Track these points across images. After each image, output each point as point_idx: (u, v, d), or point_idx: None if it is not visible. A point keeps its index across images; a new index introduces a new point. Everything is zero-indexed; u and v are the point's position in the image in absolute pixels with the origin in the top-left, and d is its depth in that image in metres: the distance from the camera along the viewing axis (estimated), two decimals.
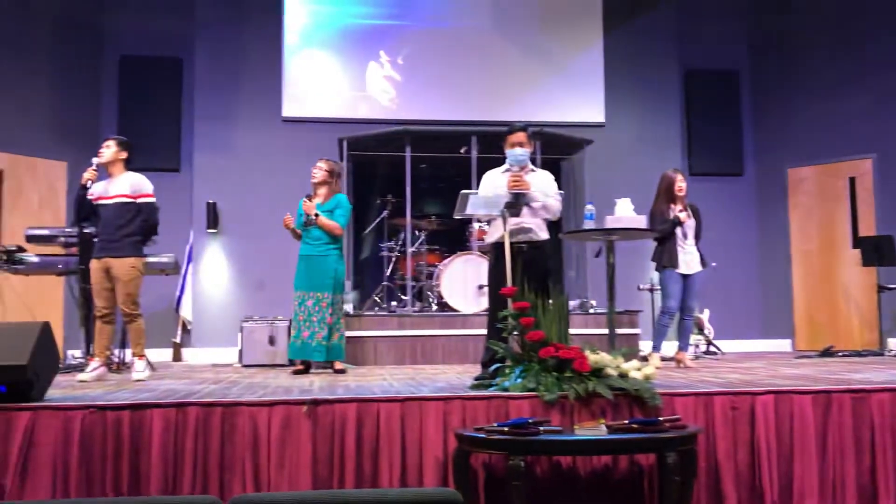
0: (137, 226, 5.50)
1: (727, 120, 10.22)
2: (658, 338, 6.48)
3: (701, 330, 8.44)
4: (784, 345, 9.89)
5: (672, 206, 6.44)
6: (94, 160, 5.56)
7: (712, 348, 8.49)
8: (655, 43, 9.96)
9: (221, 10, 9.43)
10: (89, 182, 5.55)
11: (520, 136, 4.94)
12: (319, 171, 6.20)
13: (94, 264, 5.49)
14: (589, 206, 5.44)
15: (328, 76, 9.54)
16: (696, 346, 8.33)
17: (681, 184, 6.46)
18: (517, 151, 4.93)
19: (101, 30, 9.50)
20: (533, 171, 5.04)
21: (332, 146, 8.61)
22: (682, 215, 6.39)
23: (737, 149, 10.24)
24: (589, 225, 5.41)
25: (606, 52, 9.84)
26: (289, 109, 9.43)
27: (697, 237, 6.55)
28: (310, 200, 6.13)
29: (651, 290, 8.40)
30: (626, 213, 5.59)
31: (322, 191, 6.20)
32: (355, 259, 9.63)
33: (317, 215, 6.06)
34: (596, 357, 4.01)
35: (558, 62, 9.78)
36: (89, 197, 5.56)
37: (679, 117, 10.04)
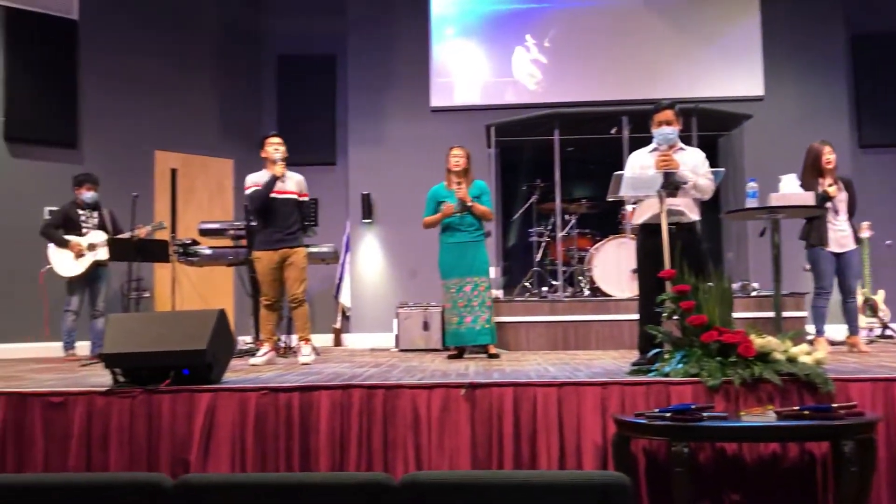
0: (301, 220, 5.95)
1: None
2: (818, 321, 6.08)
3: (875, 312, 7.89)
4: None
5: (820, 180, 6.01)
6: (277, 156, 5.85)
7: (888, 332, 7.91)
8: (818, 6, 9.33)
9: (371, 7, 9.69)
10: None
11: (667, 114, 4.78)
12: (461, 159, 6.22)
13: (268, 255, 5.81)
14: (751, 184, 5.20)
15: (474, 64, 9.61)
16: (871, 329, 7.80)
17: (829, 156, 5.98)
18: (665, 130, 4.78)
19: (260, 32, 10.01)
20: (682, 149, 4.86)
21: (479, 133, 8.68)
22: (832, 189, 5.91)
23: None
24: (752, 203, 5.17)
25: (764, 19, 9.32)
26: (436, 99, 9.58)
27: (851, 213, 6.08)
28: (460, 187, 6.13)
29: None
30: (791, 190, 5.31)
31: (462, 178, 6.23)
32: (503, 245, 9.67)
33: (472, 202, 6.12)
34: (762, 341, 3.85)
35: (711, 33, 9.37)
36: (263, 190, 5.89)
37: (846, 86, 9.36)
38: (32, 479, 2.45)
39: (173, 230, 7.70)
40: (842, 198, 6.05)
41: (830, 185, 5.96)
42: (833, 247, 5.99)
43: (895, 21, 9.53)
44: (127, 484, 2.13)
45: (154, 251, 7.06)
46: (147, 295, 8.01)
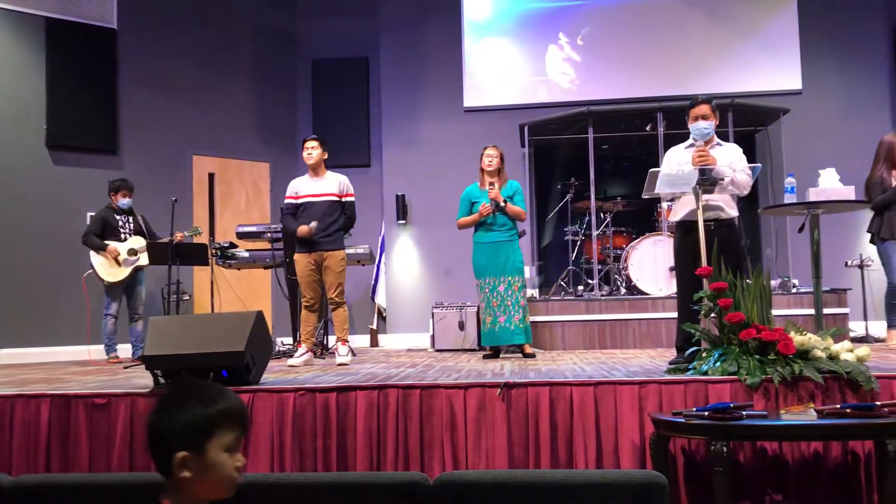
0: (342, 222, 5.90)
1: None
2: (892, 315, 5.97)
3: None
4: None
5: (893, 172, 5.89)
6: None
7: None
8: None
9: (403, 9, 9.73)
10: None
11: (703, 109, 4.73)
12: (495, 159, 6.21)
13: (305, 258, 5.84)
14: (789, 179, 5.13)
15: (507, 64, 9.60)
16: None
17: None
18: (701, 125, 4.73)
19: (294, 36, 10.10)
20: (719, 144, 4.81)
21: (512, 133, 8.67)
22: None
23: None
24: (790, 198, 5.10)
25: (801, 11, 9.17)
26: (470, 100, 9.58)
27: None
28: (493, 187, 6.13)
29: (861, 266, 7.77)
30: (831, 185, 5.22)
31: (495, 178, 6.22)
32: (538, 244, 9.65)
33: (505, 202, 6.11)
34: (802, 338, 3.79)
35: (747, 27, 9.25)
36: (292, 195, 5.95)
37: (887, 79, 9.17)
38: (78, 479, 2.50)
39: (211, 234, 7.80)
40: None
41: None
42: None
43: None
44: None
45: (193, 255, 7.17)
46: (186, 298, 8.12)
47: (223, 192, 9.21)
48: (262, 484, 2.01)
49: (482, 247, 6.21)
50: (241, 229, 7.57)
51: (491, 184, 6.14)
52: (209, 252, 7.27)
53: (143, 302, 7.47)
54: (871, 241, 6.08)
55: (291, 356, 5.98)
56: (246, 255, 7.41)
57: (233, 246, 7.38)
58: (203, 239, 7.46)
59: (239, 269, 7.61)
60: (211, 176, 7.90)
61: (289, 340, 7.48)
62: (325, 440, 3.84)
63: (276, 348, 7.18)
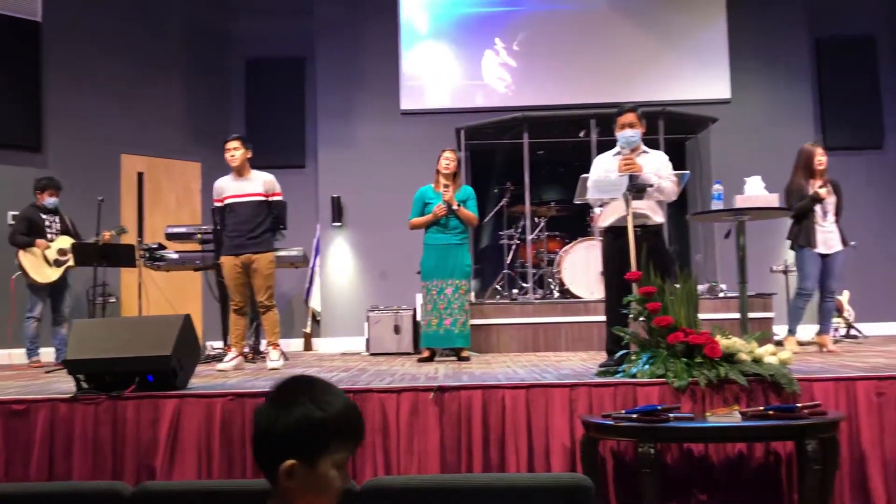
0: (270, 222, 5.77)
1: (864, 90, 9.58)
2: (793, 321, 6.17)
3: (840, 313, 8.01)
4: None
5: (811, 181, 6.08)
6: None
7: (853, 332, 8.04)
8: (783, 12, 9.46)
9: (340, 9, 9.66)
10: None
11: (629, 117, 4.83)
12: (452, 162, 6.23)
13: (232, 260, 5.71)
14: (717, 186, 5.25)
15: (444, 67, 9.62)
16: (836, 329, 7.91)
17: (821, 157, 6.06)
18: (627, 133, 4.82)
19: (228, 34, 9.92)
20: (646, 152, 4.91)
21: (449, 136, 8.68)
22: (823, 191, 5.99)
23: (875, 121, 9.60)
24: (717, 205, 5.23)
25: (730, 24, 9.43)
26: (406, 102, 9.56)
27: (838, 214, 6.16)
28: (448, 189, 6.15)
29: (785, 272, 8.03)
30: (756, 192, 5.38)
31: (450, 181, 6.25)
32: (474, 248, 9.69)
33: (458, 205, 6.13)
34: (728, 342, 3.88)
35: (679, 38, 9.47)
36: (217, 197, 5.84)
37: (811, 90, 9.51)
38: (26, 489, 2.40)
39: (140, 234, 7.61)
40: (831, 200, 6.11)
41: (821, 187, 6.02)
42: (821, 248, 6.06)
43: (858, 25, 9.70)
44: (86, 492, 2.10)
45: (120, 256, 6.98)
46: (113, 300, 7.89)
47: (152, 192, 8.99)
48: (182, 492, 1.96)
49: (432, 249, 6.22)
50: (170, 230, 7.40)
51: (446, 185, 6.16)
52: (136, 253, 7.09)
53: (70, 304, 7.24)
54: (791, 248, 6.27)
55: (221, 360, 5.86)
56: (175, 256, 7.24)
57: (161, 247, 7.21)
58: (131, 240, 7.26)
59: (168, 270, 7.44)
60: (140, 175, 7.72)
61: (219, 344, 7.34)
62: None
63: (206, 353, 7.04)
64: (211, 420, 3.80)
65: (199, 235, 7.28)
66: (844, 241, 6.17)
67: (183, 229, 7.39)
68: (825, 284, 6.14)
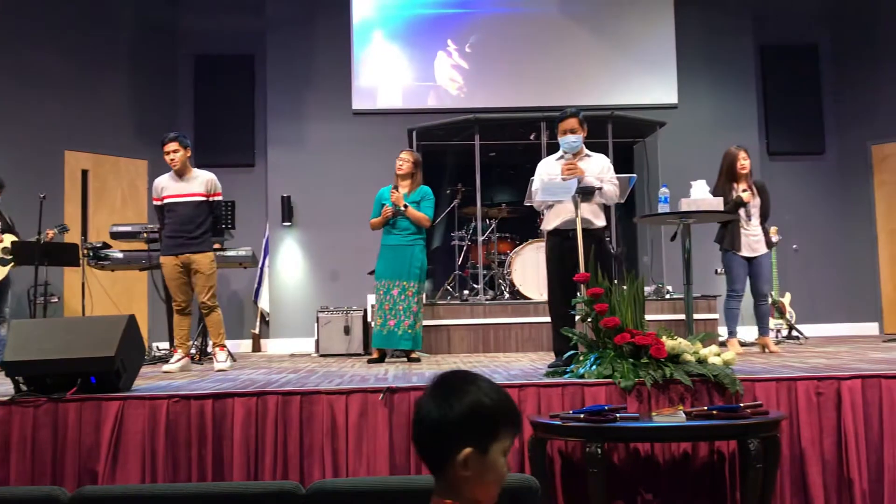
0: (211, 222, 5.70)
1: (806, 97, 9.85)
2: (730, 322, 6.27)
3: (782, 314, 8.20)
4: (871, 328, 9.54)
5: (735, 185, 6.17)
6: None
7: (794, 333, 8.24)
8: (729, 19, 9.68)
9: (291, 7, 9.58)
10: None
11: (571, 123, 4.88)
12: (405, 163, 6.23)
13: (172, 260, 5.62)
14: (663, 189, 5.33)
15: (396, 68, 9.60)
16: (778, 330, 8.10)
17: (744, 161, 6.11)
18: (569, 138, 4.88)
19: (177, 31, 9.76)
20: (588, 156, 4.97)
21: (401, 137, 8.68)
22: (746, 195, 6.05)
23: (817, 126, 9.87)
24: (663, 208, 5.31)
25: (678, 30, 9.61)
26: (358, 102, 9.52)
27: (764, 217, 6.22)
28: (396, 191, 6.15)
29: None
30: (702, 196, 5.47)
31: (406, 182, 6.24)
32: (426, 249, 9.68)
33: (406, 207, 6.11)
34: (673, 343, 3.94)
35: (628, 43, 9.60)
36: (156, 196, 5.74)
37: (755, 96, 9.73)
38: None
39: (84, 233, 7.44)
40: (755, 203, 6.16)
41: (744, 191, 6.08)
42: (745, 251, 6.11)
43: (801, 34, 9.96)
44: (23, 498, 2.05)
45: (62, 255, 6.82)
46: (55, 300, 7.71)
47: (97, 190, 8.80)
48: (122, 496, 1.92)
49: (384, 249, 6.24)
50: (115, 229, 7.24)
51: (396, 187, 6.15)
52: (80, 252, 6.93)
53: (9, 304, 7.04)
54: (720, 251, 6.36)
55: (167, 362, 5.76)
56: (120, 255, 7.10)
57: (106, 246, 7.06)
58: (74, 238, 7.10)
59: (113, 270, 7.29)
60: (84, 173, 7.55)
61: (165, 346, 7.21)
62: (199, 449, 3.72)
63: (152, 354, 6.92)
64: (156, 422, 3.72)
65: (145, 234, 7.14)
66: (769, 244, 6.26)
67: (128, 228, 7.25)
68: (756, 288, 6.20)
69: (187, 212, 5.59)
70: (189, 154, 5.68)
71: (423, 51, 9.62)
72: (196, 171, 5.71)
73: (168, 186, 5.68)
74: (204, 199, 5.65)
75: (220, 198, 5.77)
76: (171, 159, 5.59)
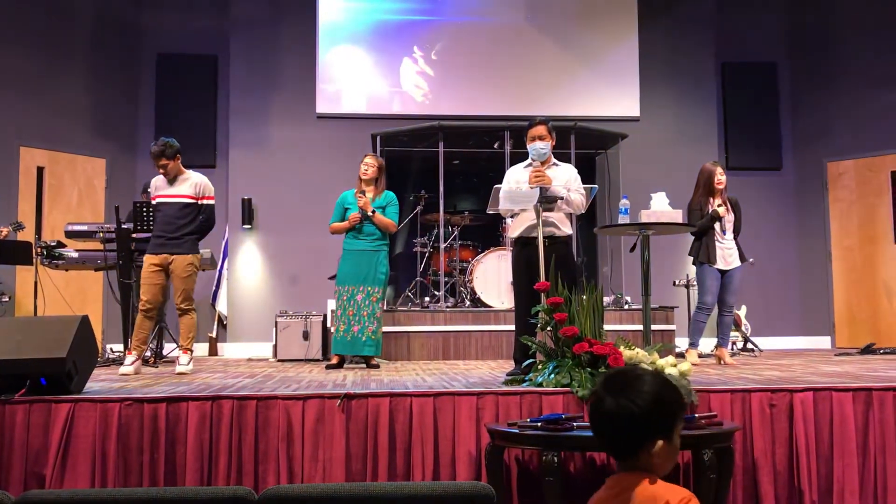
0: (197, 225, 5.70)
1: (765, 113, 10.05)
2: (695, 334, 6.38)
3: (738, 327, 8.32)
4: (823, 342, 9.73)
5: (711, 199, 6.31)
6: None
7: (749, 345, 8.37)
8: (691, 35, 9.84)
9: (256, 8, 9.50)
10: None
11: (540, 130, 4.92)
12: (371, 168, 6.20)
13: (150, 259, 5.62)
14: (624, 201, 5.38)
15: (362, 73, 9.57)
16: (733, 343, 8.22)
17: (720, 177, 6.30)
18: (538, 145, 4.91)
19: (139, 28, 9.62)
20: (556, 164, 5.02)
21: (365, 142, 8.64)
22: (721, 210, 6.23)
23: (775, 143, 10.07)
24: (623, 219, 5.35)
25: (642, 45, 9.73)
26: (323, 106, 9.47)
27: (737, 232, 6.40)
28: (363, 196, 6.12)
29: (687, 286, 8.30)
30: (661, 208, 5.53)
31: (371, 187, 6.22)
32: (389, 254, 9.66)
33: (373, 212, 6.08)
34: (631, 353, 3.97)
35: (592, 56, 9.70)
36: (153, 194, 5.78)
37: (716, 111, 9.90)
38: None
39: (38, 231, 7.28)
40: (729, 218, 6.33)
41: (720, 206, 6.25)
42: (720, 264, 6.25)
43: (761, 52, 10.15)
44: None
45: (14, 253, 6.68)
46: (6, 299, 7.53)
47: (53, 188, 8.63)
48: (66, 501, 1.87)
49: (348, 254, 6.19)
50: (71, 228, 7.09)
51: (362, 192, 6.12)
52: (34, 251, 6.78)
53: None
54: (693, 264, 6.49)
55: (122, 364, 5.66)
56: (75, 255, 6.96)
57: (60, 245, 6.92)
58: (28, 236, 6.94)
59: (67, 270, 7.15)
60: (40, 170, 7.39)
61: (120, 348, 7.08)
62: (152, 453, 3.65)
63: (106, 356, 6.79)
64: (107, 425, 3.65)
65: (101, 234, 7.00)
66: (742, 257, 6.41)
67: (84, 227, 7.10)
68: (723, 299, 6.36)
69: (172, 213, 5.64)
70: (179, 159, 5.73)
71: (389, 56, 9.61)
72: (189, 173, 5.77)
73: (160, 186, 5.76)
74: (192, 201, 5.69)
75: (210, 201, 5.80)
76: (166, 172, 5.70)
